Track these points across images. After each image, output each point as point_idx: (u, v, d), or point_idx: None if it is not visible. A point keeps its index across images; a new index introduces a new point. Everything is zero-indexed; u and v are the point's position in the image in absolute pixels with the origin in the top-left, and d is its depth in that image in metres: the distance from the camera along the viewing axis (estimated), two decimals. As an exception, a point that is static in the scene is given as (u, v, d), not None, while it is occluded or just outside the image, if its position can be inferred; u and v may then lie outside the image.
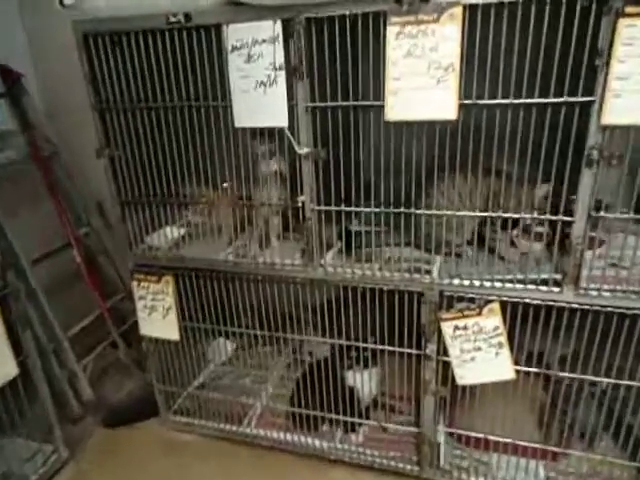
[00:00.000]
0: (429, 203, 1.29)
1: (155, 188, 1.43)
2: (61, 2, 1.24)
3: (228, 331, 1.58)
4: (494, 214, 1.21)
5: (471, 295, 1.24)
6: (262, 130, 1.23)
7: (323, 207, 1.27)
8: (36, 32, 1.90)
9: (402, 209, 1.24)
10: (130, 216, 1.50)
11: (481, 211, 1.23)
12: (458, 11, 0.98)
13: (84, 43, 1.29)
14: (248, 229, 1.48)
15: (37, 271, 1.85)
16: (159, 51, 1.24)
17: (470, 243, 1.33)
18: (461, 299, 1.25)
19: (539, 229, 1.27)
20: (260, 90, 1.16)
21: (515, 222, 1.25)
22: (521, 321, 1.22)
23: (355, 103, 1.14)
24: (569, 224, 1.11)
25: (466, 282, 1.24)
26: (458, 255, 1.34)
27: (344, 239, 1.42)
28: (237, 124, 1.22)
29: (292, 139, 1.19)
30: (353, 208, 1.26)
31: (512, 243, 1.34)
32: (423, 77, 1.03)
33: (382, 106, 1.09)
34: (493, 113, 1.08)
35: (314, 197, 1.26)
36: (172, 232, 1.54)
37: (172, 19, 1.19)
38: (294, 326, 1.51)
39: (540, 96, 1.03)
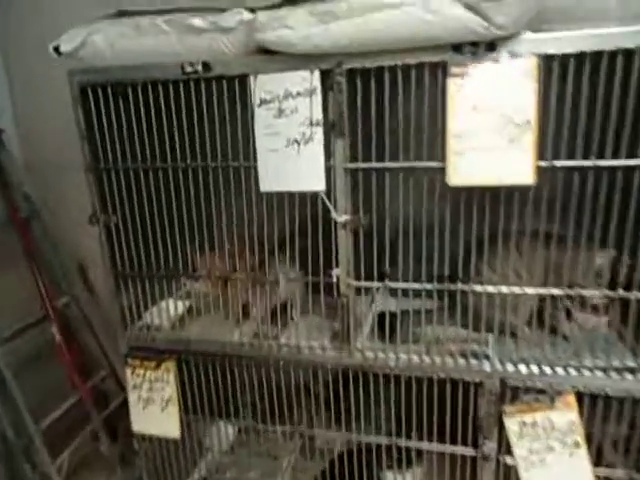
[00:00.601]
0: (479, 278, 1.12)
1: (158, 258, 1.22)
2: (57, 49, 1.06)
3: (230, 413, 1.34)
4: (559, 292, 1.04)
5: (540, 385, 1.05)
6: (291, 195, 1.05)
7: (363, 283, 1.08)
8: (21, 82, 1.73)
9: (451, 286, 1.06)
10: (125, 289, 1.28)
11: (542, 287, 1.06)
12: (534, 61, 0.85)
13: (81, 95, 1.12)
14: (264, 303, 1.27)
15: (8, 349, 1.60)
16: (171, 105, 1.07)
17: (529, 322, 1.15)
18: (528, 390, 1.06)
19: (600, 300, 1.11)
20: (292, 149, 1.00)
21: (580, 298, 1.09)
22: (602, 415, 1.03)
23: (404, 164, 0.98)
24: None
25: (534, 369, 1.05)
26: (513, 334, 1.16)
27: (377, 318, 1.23)
28: (263, 187, 1.05)
29: (329, 205, 1.02)
30: (400, 284, 1.08)
31: (568, 314, 1.17)
32: (493, 136, 0.88)
33: (439, 168, 0.94)
34: (566, 175, 0.93)
35: (351, 271, 1.07)
36: (174, 307, 1.32)
37: (188, 69, 1.03)
38: (313, 411, 1.28)
39: (613, 156, 0.90)
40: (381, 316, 1.21)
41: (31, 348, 1.80)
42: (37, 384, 1.78)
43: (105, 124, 1.13)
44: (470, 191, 0.97)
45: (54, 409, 1.68)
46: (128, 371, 1.31)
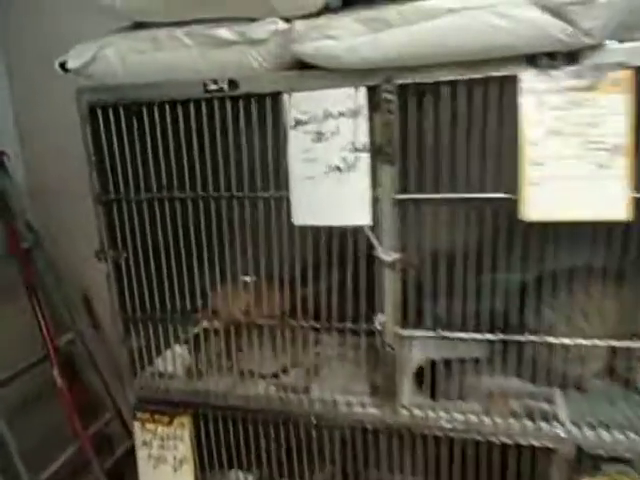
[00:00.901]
0: (540, 325, 0.97)
1: (173, 299, 1.08)
2: (63, 65, 0.94)
3: (252, 463, 1.17)
4: (635, 344, 0.89)
5: (626, 454, 0.88)
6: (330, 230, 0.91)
7: (413, 332, 0.93)
8: (27, 102, 1.62)
9: (516, 336, 0.91)
10: (135, 332, 1.13)
11: (614, 336, 0.91)
12: (626, 75, 0.72)
13: (90, 116, 0.99)
14: (291, 349, 1.12)
15: (4, 392, 1.45)
16: (191, 127, 0.94)
17: (599, 375, 1.00)
18: (610, 459, 0.90)
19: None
20: (332, 177, 0.86)
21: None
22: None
23: (465, 196, 0.84)
24: None
25: (618, 434, 0.89)
26: (579, 388, 1.01)
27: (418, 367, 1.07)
28: (296, 221, 0.91)
29: (375, 241, 0.87)
30: (457, 334, 0.92)
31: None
32: (577, 162, 0.74)
33: (506, 200, 0.80)
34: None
35: (399, 318, 0.92)
36: (190, 352, 1.17)
37: (212, 87, 0.90)
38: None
39: None
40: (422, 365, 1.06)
41: (31, 389, 1.64)
42: (37, 425, 1.63)
43: (116, 148, 1.00)
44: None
45: (54, 455, 1.53)
46: (137, 425, 1.16)
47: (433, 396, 1.01)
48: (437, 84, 0.79)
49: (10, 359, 1.52)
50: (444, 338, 0.93)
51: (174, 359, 1.14)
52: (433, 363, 1.03)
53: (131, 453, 1.30)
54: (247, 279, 1.13)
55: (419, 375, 1.04)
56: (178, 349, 1.17)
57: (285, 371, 1.10)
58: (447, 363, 1.03)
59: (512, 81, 0.76)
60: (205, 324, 1.14)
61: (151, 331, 1.13)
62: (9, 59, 1.61)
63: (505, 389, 1.01)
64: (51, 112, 1.54)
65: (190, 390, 1.12)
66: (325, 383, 1.06)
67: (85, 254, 1.17)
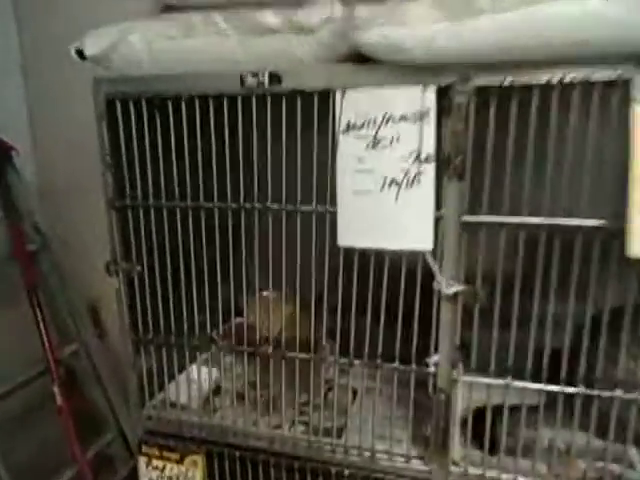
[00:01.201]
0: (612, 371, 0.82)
1: (192, 321, 0.95)
2: (80, 52, 0.82)
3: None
4: None
5: None
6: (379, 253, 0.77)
7: (476, 378, 0.79)
8: (41, 94, 1.50)
9: (601, 392, 0.76)
10: (146, 355, 1.00)
11: None
12: None
13: (108, 110, 0.87)
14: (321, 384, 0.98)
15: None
16: (224, 127, 0.81)
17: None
18: None
19: None
20: (390, 192, 0.73)
21: None
22: None
23: (551, 221, 0.70)
24: None
25: None
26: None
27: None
28: (341, 241, 0.77)
29: (436, 270, 0.73)
30: (530, 384, 0.78)
31: None
32: None
33: (603, 229, 0.66)
34: None
35: (457, 361, 0.78)
36: (207, 380, 1.04)
37: (250, 80, 0.78)
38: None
39: None
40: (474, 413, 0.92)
41: (29, 403, 1.52)
42: (33, 444, 1.51)
43: (135, 148, 0.87)
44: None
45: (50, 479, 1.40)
46: (142, 461, 1.03)
47: (487, 449, 0.87)
48: (527, 87, 0.66)
49: (7, 370, 1.41)
50: (507, 386, 0.79)
51: (188, 386, 1.01)
52: (481, 409, 0.89)
53: (134, 477, 1.18)
54: (266, 294, 1.01)
55: (466, 422, 0.90)
56: (194, 374, 1.03)
57: (315, 409, 0.96)
58: (498, 410, 0.88)
59: (621, 85, 0.63)
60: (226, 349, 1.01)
61: (164, 355, 1.00)
62: (23, 49, 1.50)
63: (569, 445, 0.87)
64: (66, 105, 1.43)
65: (205, 424, 0.98)
66: (360, 425, 0.92)
67: (95, 261, 1.05)
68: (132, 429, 1.07)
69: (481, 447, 0.84)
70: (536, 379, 0.78)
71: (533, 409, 0.87)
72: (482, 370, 0.79)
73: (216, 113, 0.81)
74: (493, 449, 0.87)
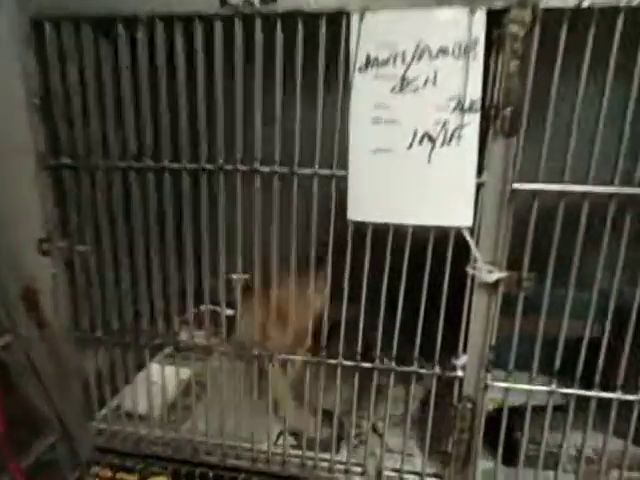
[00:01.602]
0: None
1: (153, 310, 0.76)
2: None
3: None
4: None
5: None
6: (399, 231, 0.60)
7: (514, 385, 0.64)
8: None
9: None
10: (94, 352, 0.81)
11: None
12: None
13: (35, 35, 0.64)
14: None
15: None
16: (196, 60, 0.61)
17: None
18: None
19: None
20: (421, 151, 0.56)
21: None
22: None
23: (627, 190, 0.55)
24: None
25: None
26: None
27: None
28: (353, 215, 0.60)
29: (476, 252, 0.58)
30: (579, 390, 0.65)
31: None
32: None
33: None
34: None
35: (489, 363, 0.64)
36: (173, 380, 0.85)
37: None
38: None
39: None
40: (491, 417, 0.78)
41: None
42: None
43: (74, 87, 0.66)
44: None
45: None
46: (92, 484, 0.84)
47: (509, 461, 0.74)
48: (615, 9, 0.50)
49: None
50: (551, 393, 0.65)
51: (148, 390, 0.82)
52: (498, 411, 0.76)
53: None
54: (235, 277, 0.83)
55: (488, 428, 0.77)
56: (154, 374, 0.84)
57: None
58: (517, 411, 0.76)
59: None
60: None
61: (117, 352, 0.80)
62: None
63: (601, 453, 0.75)
64: None
65: (169, 439, 0.80)
66: (367, 441, 0.77)
67: (31, 234, 0.83)
68: (79, 443, 0.87)
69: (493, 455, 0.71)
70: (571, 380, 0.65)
71: (557, 409, 0.75)
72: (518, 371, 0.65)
73: (186, 42, 0.61)
74: (509, 458, 0.75)
